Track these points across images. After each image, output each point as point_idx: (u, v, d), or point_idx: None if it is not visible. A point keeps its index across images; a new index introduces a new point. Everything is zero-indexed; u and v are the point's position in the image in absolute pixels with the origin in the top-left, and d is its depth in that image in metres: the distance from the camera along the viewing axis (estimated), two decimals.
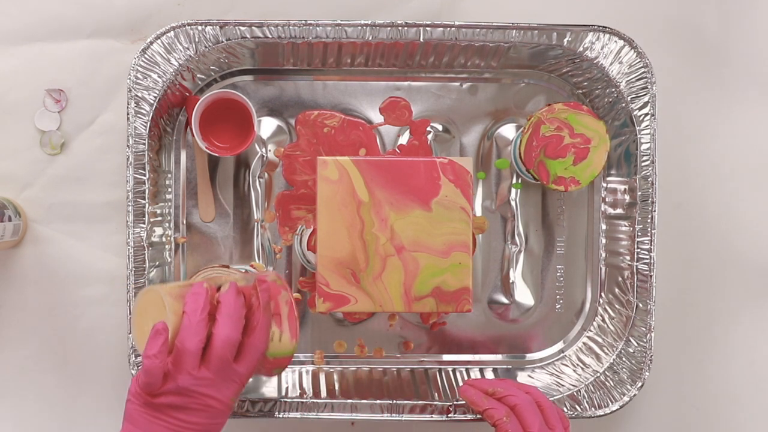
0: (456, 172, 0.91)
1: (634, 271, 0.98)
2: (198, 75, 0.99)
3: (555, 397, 0.98)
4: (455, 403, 0.97)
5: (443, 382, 1.01)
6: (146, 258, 0.96)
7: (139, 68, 0.95)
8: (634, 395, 0.97)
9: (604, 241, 1.03)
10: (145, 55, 0.95)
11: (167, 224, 1.00)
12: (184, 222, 1.01)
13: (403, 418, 0.97)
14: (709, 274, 1.04)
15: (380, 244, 0.90)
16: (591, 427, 1.01)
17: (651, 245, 0.97)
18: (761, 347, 1.05)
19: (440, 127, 1.02)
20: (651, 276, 0.97)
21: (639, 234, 0.98)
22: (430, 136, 1.02)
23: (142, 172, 0.95)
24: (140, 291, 0.80)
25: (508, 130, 1.03)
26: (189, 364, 0.75)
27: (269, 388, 0.99)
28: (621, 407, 0.98)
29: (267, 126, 1.01)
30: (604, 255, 1.03)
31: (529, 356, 1.04)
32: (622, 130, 0.99)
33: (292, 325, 0.83)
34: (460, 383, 1.01)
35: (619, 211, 1.01)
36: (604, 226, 1.03)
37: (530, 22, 0.97)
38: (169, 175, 1.01)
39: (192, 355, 0.75)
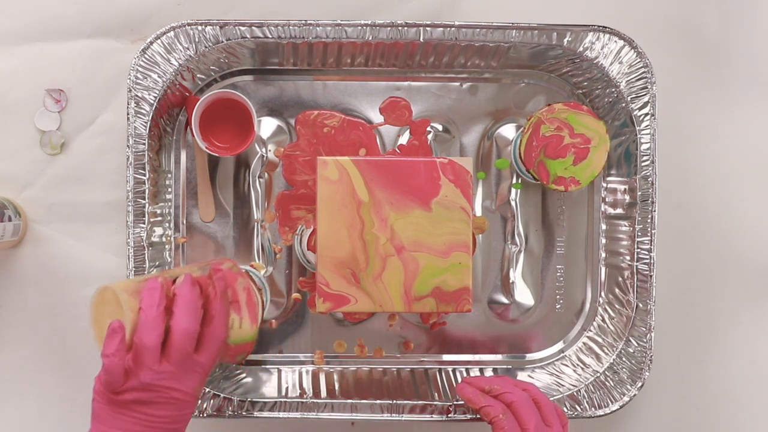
0: (456, 172, 0.91)
1: (634, 271, 0.98)
2: (198, 75, 0.99)
3: (555, 397, 0.98)
4: (455, 403, 0.97)
5: (443, 382, 1.01)
6: (146, 258, 0.96)
7: (139, 68, 0.95)
8: (634, 395, 0.97)
9: (604, 241, 1.03)
10: (145, 55, 0.95)
11: (167, 224, 1.00)
12: (184, 222, 1.01)
13: (403, 418, 0.97)
14: (709, 274, 1.04)
15: (380, 244, 0.90)
16: (591, 427, 1.01)
17: (651, 245, 0.97)
18: (761, 347, 1.05)
19: (440, 127, 1.02)
20: (651, 276, 0.97)
21: (639, 234, 0.98)
22: (430, 136, 1.02)
23: (142, 172, 0.95)
24: (96, 290, 0.78)
25: (508, 130, 1.03)
26: (149, 360, 0.75)
27: (269, 388, 0.99)
28: (621, 407, 0.98)
29: (267, 126, 1.01)
30: (604, 255, 1.03)
31: (529, 356, 1.04)
32: (622, 130, 0.99)
33: (251, 310, 0.83)
34: None
35: (619, 211, 1.01)
36: (604, 226, 1.03)
37: (530, 22, 0.97)
38: (169, 175, 1.01)
39: (151, 350, 0.75)
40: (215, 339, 0.79)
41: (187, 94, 0.99)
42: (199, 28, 0.95)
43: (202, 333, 0.78)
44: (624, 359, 0.99)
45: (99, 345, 0.78)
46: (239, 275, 0.83)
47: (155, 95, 0.95)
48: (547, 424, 0.87)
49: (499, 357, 1.04)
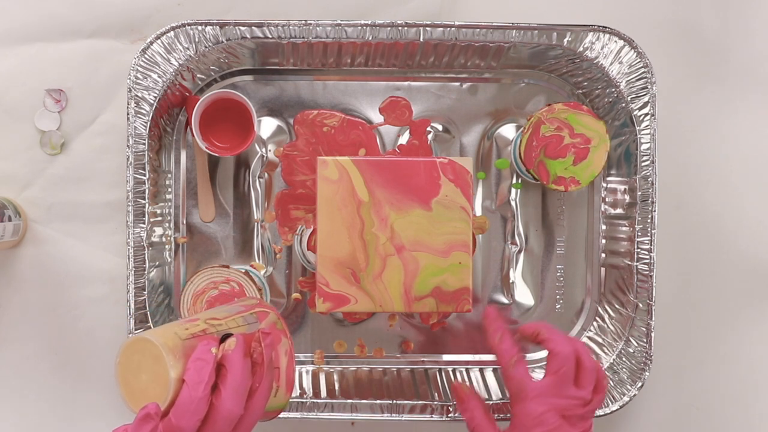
0: (456, 172, 0.91)
1: (634, 271, 0.98)
2: (198, 75, 0.99)
3: None
4: (455, 403, 0.97)
5: (443, 382, 1.01)
6: (146, 258, 0.96)
7: (139, 68, 0.95)
8: (634, 395, 0.97)
9: (604, 241, 1.03)
10: (145, 55, 0.95)
11: (167, 224, 1.00)
12: (184, 222, 1.01)
13: (403, 418, 0.97)
14: (709, 274, 1.04)
15: (380, 243, 0.90)
16: None
17: (651, 245, 0.97)
18: (761, 347, 1.05)
19: (440, 127, 1.02)
20: (651, 276, 0.97)
21: (639, 234, 0.98)
22: (430, 136, 1.02)
23: (142, 172, 0.95)
24: (130, 338, 0.70)
25: (508, 130, 1.03)
26: None
27: None
28: (621, 407, 0.98)
29: (267, 126, 1.01)
30: (604, 255, 1.03)
31: (529, 356, 1.04)
32: (622, 130, 0.99)
33: (289, 377, 0.76)
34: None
35: (619, 211, 1.01)
36: (604, 226, 1.03)
37: (530, 22, 0.97)
38: (169, 175, 1.01)
39: None
40: (254, 416, 0.70)
41: (187, 94, 0.99)
42: (199, 28, 0.95)
43: None
44: (624, 359, 0.99)
45: (126, 399, 0.69)
46: (283, 335, 0.77)
47: (155, 95, 0.95)
48: (580, 387, 0.84)
49: None
